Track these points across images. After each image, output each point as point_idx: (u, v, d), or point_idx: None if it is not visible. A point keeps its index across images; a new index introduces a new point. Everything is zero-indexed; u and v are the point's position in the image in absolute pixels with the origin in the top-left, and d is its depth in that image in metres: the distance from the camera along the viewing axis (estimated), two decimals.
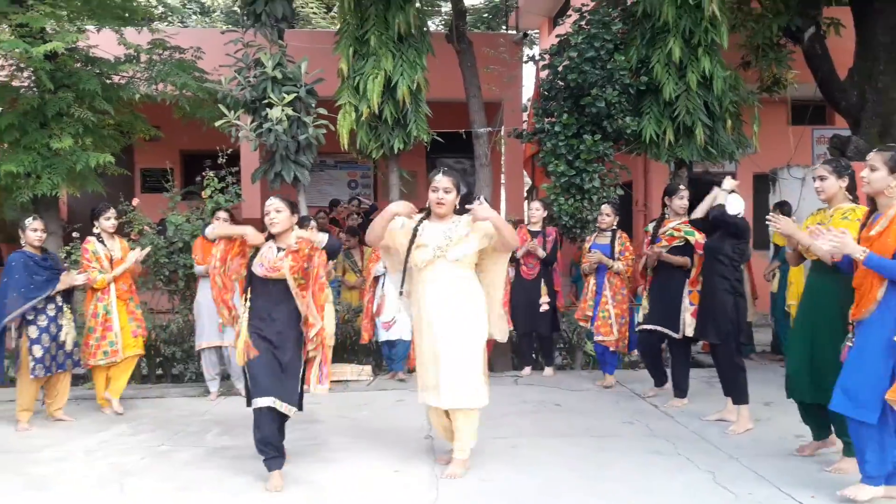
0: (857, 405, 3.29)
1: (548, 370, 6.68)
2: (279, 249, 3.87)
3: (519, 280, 6.51)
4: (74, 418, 5.27)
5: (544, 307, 6.45)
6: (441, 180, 3.88)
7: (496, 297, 4.11)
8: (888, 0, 8.05)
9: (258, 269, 3.83)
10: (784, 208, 6.89)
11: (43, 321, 5.04)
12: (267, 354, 3.78)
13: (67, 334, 5.21)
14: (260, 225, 4.04)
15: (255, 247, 3.91)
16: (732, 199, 4.79)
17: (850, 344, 3.44)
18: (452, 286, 3.84)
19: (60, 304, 5.18)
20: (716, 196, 4.94)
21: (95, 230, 5.51)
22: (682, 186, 5.59)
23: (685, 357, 5.53)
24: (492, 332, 4.09)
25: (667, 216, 5.54)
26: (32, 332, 5.00)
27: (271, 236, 3.94)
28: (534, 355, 6.84)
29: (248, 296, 3.87)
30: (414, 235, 3.86)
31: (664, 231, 5.46)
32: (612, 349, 6.10)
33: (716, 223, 4.84)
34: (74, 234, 6.42)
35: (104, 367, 5.44)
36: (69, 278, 5.18)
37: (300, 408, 3.91)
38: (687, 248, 5.32)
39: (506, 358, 6.99)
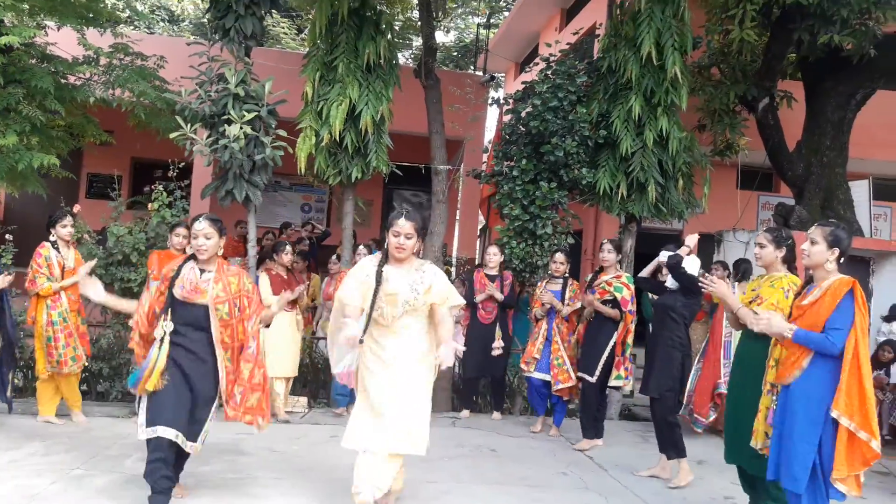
0: (786, 474, 3.33)
1: (496, 414, 6.60)
2: (203, 272, 3.64)
3: (475, 324, 6.48)
4: None
5: (497, 351, 6.43)
6: (403, 225, 3.60)
7: (448, 325, 3.85)
8: (838, 81, 8.48)
9: (178, 291, 3.58)
10: (742, 266, 6.62)
11: None
12: (177, 383, 3.52)
13: None
14: None
15: (176, 269, 3.65)
16: (690, 260, 4.91)
17: (774, 406, 3.50)
18: (413, 334, 3.73)
19: None
20: (661, 259, 5.05)
21: (52, 237, 5.34)
22: (605, 242, 5.85)
23: (596, 402, 5.67)
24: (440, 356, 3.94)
25: (603, 269, 5.79)
26: None
27: (192, 257, 3.69)
28: (477, 399, 6.79)
29: (168, 318, 3.57)
30: (378, 283, 3.63)
31: (598, 283, 5.72)
32: (565, 398, 6.06)
33: (671, 272, 4.91)
34: (8, 237, 6.14)
35: (63, 377, 5.29)
36: (2, 280, 4.95)
37: (195, 440, 3.58)
38: (616, 303, 5.59)
39: (446, 397, 6.91)
